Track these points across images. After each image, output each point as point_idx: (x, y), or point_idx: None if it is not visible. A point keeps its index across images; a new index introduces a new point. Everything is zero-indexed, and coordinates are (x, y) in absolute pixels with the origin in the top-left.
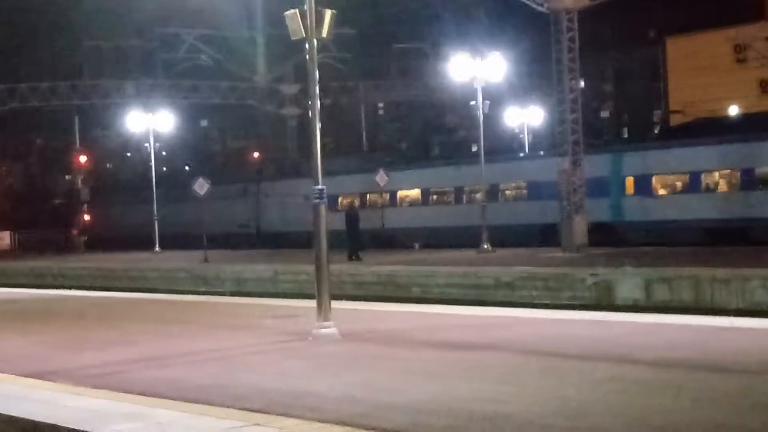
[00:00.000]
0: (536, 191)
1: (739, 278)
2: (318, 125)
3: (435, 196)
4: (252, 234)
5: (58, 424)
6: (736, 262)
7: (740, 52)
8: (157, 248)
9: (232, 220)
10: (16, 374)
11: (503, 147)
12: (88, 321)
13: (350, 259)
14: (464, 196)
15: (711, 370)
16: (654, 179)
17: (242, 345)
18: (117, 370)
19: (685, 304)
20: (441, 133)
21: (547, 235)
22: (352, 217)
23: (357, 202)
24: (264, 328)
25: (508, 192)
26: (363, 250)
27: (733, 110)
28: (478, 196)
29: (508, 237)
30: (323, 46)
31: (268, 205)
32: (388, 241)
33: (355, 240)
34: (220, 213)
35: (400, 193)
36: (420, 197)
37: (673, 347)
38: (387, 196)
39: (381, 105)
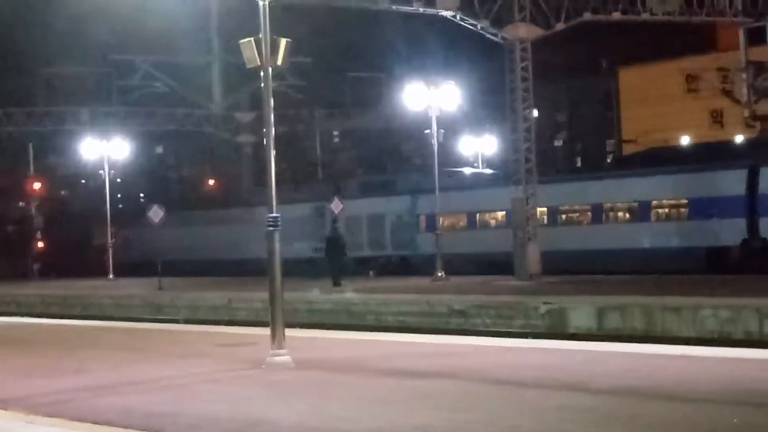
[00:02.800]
0: (702, 209)
1: (690, 307)
2: (273, 153)
3: (565, 216)
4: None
5: None
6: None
7: (692, 82)
8: (110, 276)
9: (300, 243)
10: None
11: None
12: (41, 348)
13: (335, 285)
14: (605, 215)
15: (662, 398)
16: None
17: (195, 373)
18: (69, 398)
19: (637, 332)
20: (396, 161)
21: (716, 260)
22: (334, 241)
23: (465, 222)
24: (217, 355)
25: (660, 210)
26: (345, 276)
27: (685, 140)
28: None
29: (660, 262)
30: (279, 74)
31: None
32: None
33: (338, 266)
34: (287, 236)
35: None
36: (547, 216)
37: (624, 376)
38: (503, 215)
39: (336, 133)
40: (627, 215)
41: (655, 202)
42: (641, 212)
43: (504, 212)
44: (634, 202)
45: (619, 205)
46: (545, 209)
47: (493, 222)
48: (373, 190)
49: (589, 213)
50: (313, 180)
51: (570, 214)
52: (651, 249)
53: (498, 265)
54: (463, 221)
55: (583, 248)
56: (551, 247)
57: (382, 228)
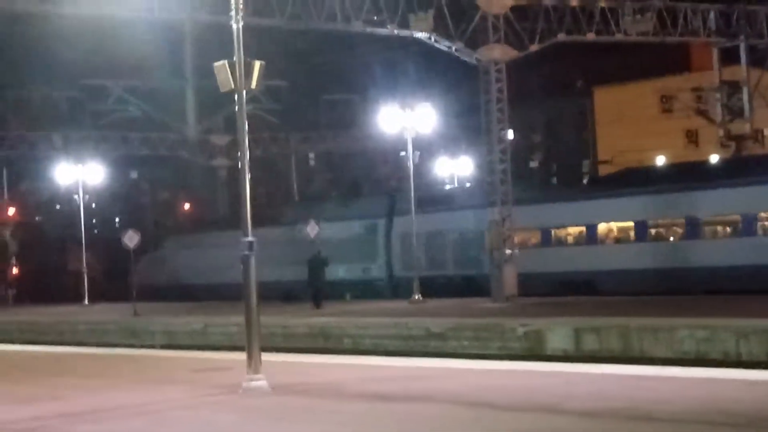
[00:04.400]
0: None
1: (667, 328)
2: (248, 176)
3: (655, 230)
4: (380, 280)
5: None
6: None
7: (667, 102)
8: (85, 301)
9: (351, 265)
10: None
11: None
12: (16, 375)
13: (316, 307)
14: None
15: (639, 419)
16: None
17: (171, 399)
18: (43, 425)
19: (614, 353)
20: (372, 183)
21: None
22: (316, 263)
23: (538, 239)
24: (193, 381)
25: None
26: (326, 298)
27: (660, 160)
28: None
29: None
30: (253, 98)
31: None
32: (581, 287)
33: (319, 287)
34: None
35: (604, 227)
36: (633, 231)
37: (601, 397)
38: (582, 231)
39: (312, 155)
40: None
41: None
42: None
43: (584, 227)
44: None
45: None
46: (630, 224)
47: (570, 238)
48: (432, 205)
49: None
50: (362, 195)
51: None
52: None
53: (578, 285)
54: (536, 238)
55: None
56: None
57: (442, 246)
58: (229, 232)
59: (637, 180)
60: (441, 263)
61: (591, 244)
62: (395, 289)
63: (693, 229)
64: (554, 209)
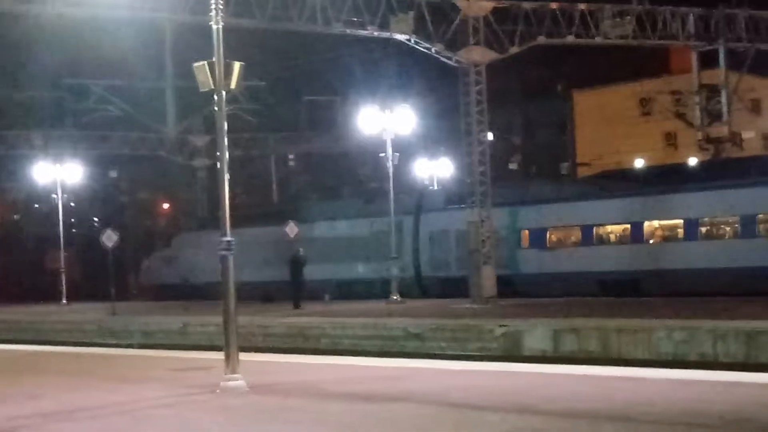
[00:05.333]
0: None
1: (644, 329)
2: (227, 176)
3: (706, 229)
4: (407, 280)
5: None
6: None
7: (646, 105)
8: (63, 300)
9: (375, 264)
10: None
11: None
12: None
13: (295, 307)
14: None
15: (617, 420)
16: None
17: (149, 398)
18: (21, 424)
19: (592, 354)
20: (352, 184)
21: None
22: (296, 263)
23: (578, 237)
24: (171, 380)
25: None
26: (304, 299)
27: (639, 163)
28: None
29: None
30: (233, 98)
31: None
32: (625, 287)
33: (299, 288)
34: (354, 253)
35: (649, 225)
36: (683, 229)
37: (579, 398)
38: (627, 229)
39: (291, 156)
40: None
41: None
42: None
43: (628, 225)
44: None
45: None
46: (680, 221)
47: (612, 237)
48: (464, 201)
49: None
50: (387, 192)
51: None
52: None
53: (621, 285)
54: (575, 236)
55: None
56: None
57: None
58: (242, 229)
59: (686, 176)
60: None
61: (636, 242)
62: (423, 289)
63: (748, 226)
64: (595, 206)
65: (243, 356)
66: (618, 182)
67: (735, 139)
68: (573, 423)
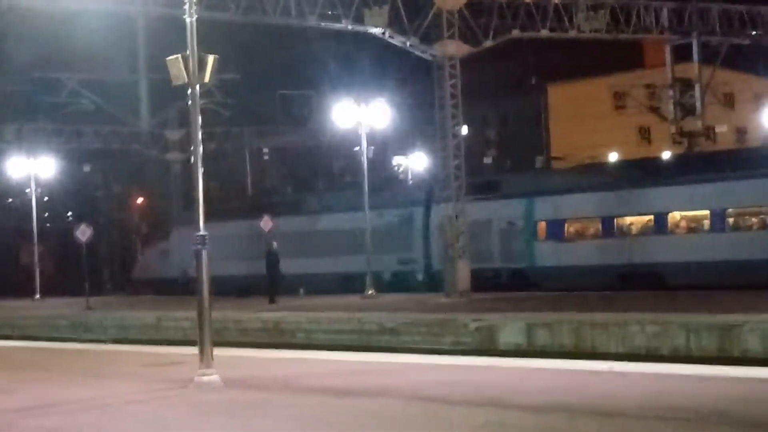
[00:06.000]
0: None
1: (618, 323)
2: (201, 170)
3: (733, 219)
4: (418, 273)
5: None
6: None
7: (620, 99)
8: (37, 295)
9: (384, 256)
10: None
11: None
12: None
13: (271, 302)
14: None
15: (590, 414)
16: None
17: (122, 393)
18: None
19: (565, 348)
20: (327, 178)
21: None
22: (271, 258)
23: (598, 229)
24: (145, 375)
25: None
26: (280, 294)
27: (613, 156)
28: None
29: None
30: (207, 92)
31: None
32: (647, 280)
33: (274, 283)
34: (360, 246)
35: (674, 216)
36: (708, 221)
37: (553, 392)
38: (650, 220)
39: (266, 150)
40: None
41: None
42: None
43: (652, 216)
44: None
45: None
46: (706, 212)
47: (634, 229)
48: (477, 193)
49: None
50: (398, 184)
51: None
52: None
53: (643, 278)
54: (595, 228)
55: None
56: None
57: (488, 237)
58: (243, 221)
59: (714, 165)
60: (487, 255)
61: (660, 234)
62: (434, 282)
63: None
64: (618, 197)
65: (217, 351)
66: (642, 173)
67: (708, 132)
68: (546, 417)
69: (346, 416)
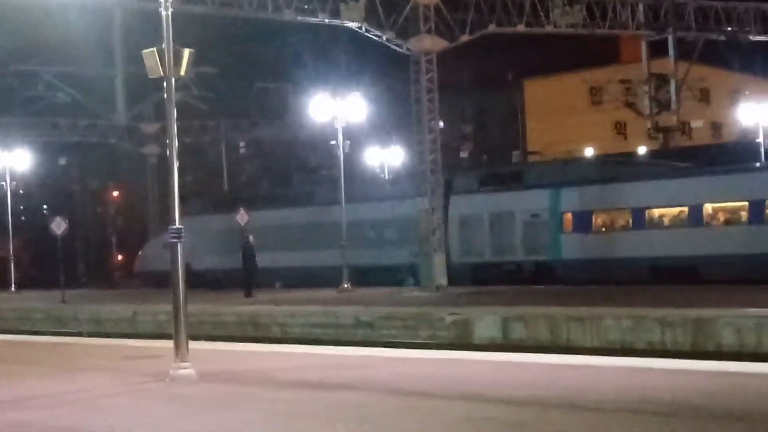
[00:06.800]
0: None
1: (593, 317)
2: (176, 164)
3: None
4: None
5: None
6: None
7: (596, 94)
8: (12, 288)
9: (399, 249)
10: None
11: None
12: None
13: (247, 296)
14: None
15: (565, 407)
16: None
17: (97, 387)
18: None
19: (541, 342)
20: (303, 172)
21: None
22: (247, 251)
23: (628, 221)
24: (120, 368)
25: None
26: (258, 287)
27: (589, 151)
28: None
29: None
30: (183, 85)
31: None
32: (680, 273)
33: (251, 276)
34: (381, 241)
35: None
36: (746, 212)
37: (528, 385)
38: (684, 212)
39: (242, 144)
40: None
41: None
42: None
43: (686, 208)
44: None
45: None
46: (745, 203)
47: (666, 220)
48: (499, 183)
49: None
50: (414, 174)
51: None
52: None
53: (676, 271)
54: (625, 219)
55: None
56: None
57: (510, 229)
58: (258, 212)
59: (750, 156)
60: (509, 248)
61: (695, 226)
62: (452, 276)
63: None
64: (648, 187)
65: (193, 344)
66: (672, 162)
67: (684, 127)
68: (521, 410)
69: (321, 409)
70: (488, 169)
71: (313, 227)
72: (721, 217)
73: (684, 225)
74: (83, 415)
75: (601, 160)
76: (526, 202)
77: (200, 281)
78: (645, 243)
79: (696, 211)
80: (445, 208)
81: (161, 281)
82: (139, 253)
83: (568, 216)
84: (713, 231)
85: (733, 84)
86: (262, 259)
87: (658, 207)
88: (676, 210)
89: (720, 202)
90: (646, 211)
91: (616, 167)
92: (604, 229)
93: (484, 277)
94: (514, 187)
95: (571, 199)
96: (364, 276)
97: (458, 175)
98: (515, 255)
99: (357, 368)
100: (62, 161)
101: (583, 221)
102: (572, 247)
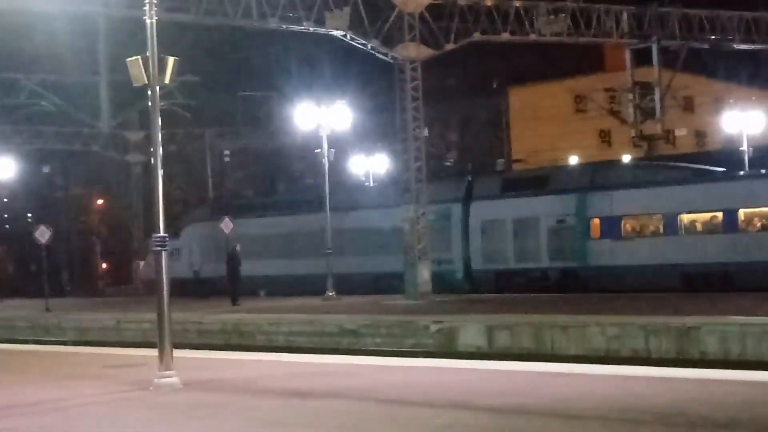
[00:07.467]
0: None
1: (577, 325)
2: (160, 172)
3: None
4: (455, 273)
5: None
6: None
7: (580, 102)
8: None
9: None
10: None
11: None
12: None
13: (234, 304)
14: None
15: (549, 416)
16: None
17: (81, 395)
18: None
19: (526, 350)
20: (287, 180)
21: None
22: (232, 260)
23: (659, 227)
24: (104, 377)
25: None
26: (241, 295)
27: (574, 160)
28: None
29: None
30: (168, 93)
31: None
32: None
33: (235, 285)
34: (392, 245)
35: (745, 213)
36: None
37: (512, 393)
38: (718, 217)
39: (227, 152)
40: None
41: None
42: None
43: (720, 213)
44: None
45: None
46: None
47: (699, 226)
48: (522, 188)
49: None
50: (436, 178)
51: None
52: None
53: (709, 278)
54: (655, 225)
55: None
56: None
57: (535, 235)
58: (263, 219)
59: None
60: (533, 255)
61: (729, 232)
62: (473, 283)
63: None
64: (682, 192)
65: (177, 353)
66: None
67: (668, 136)
68: (506, 418)
69: (305, 418)
70: (512, 173)
71: (299, 235)
72: (757, 222)
73: (718, 231)
74: (67, 424)
75: (631, 163)
76: (552, 207)
77: (208, 289)
78: (677, 249)
79: (730, 217)
80: (466, 213)
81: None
82: (143, 261)
83: (596, 221)
84: (748, 237)
85: (717, 92)
86: (253, 268)
87: (690, 212)
88: (709, 215)
89: (755, 207)
90: (678, 217)
91: (645, 171)
92: (634, 235)
93: (507, 284)
94: (538, 191)
95: (599, 204)
96: (351, 284)
97: (480, 180)
98: (540, 262)
99: (341, 376)
100: (46, 169)
101: (611, 227)
102: (600, 253)
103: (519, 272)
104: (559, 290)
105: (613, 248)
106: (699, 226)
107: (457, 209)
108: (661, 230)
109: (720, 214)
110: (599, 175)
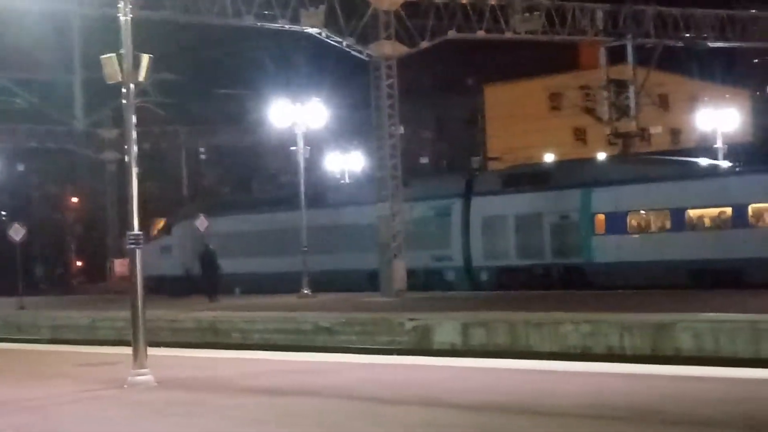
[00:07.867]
0: None
1: (551, 322)
2: (135, 170)
3: None
4: (455, 270)
5: None
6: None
7: (555, 100)
8: None
9: (418, 252)
10: None
11: None
12: None
13: (211, 301)
14: None
15: (524, 413)
16: None
17: (55, 394)
18: None
19: (501, 347)
20: (263, 178)
21: None
22: (207, 256)
23: (666, 222)
24: (78, 375)
25: None
26: (219, 292)
27: (549, 157)
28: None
29: None
30: (143, 91)
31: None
32: (722, 278)
33: (213, 281)
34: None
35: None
36: None
37: (487, 391)
38: (726, 213)
39: (202, 150)
40: None
41: None
42: None
43: (729, 209)
44: None
45: None
46: None
47: (707, 222)
48: (524, 183)
49: None
50: (434, 173)
51: None
52: None
53: (718, 275)
54: (662, 221)
55: None
56: None
57: (538, 231)
58: (260, 215)
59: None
60: (537, 251)
61: (739, 227)
62: (474, 280)
63: None
64: (690, 187)
65: (152, 351)
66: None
67: (643, 133)
68: (481, 416)
69: (280, 416)
70: (513, 168)
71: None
72: (766, 218)
73: (727, 226)
74: (42, 423)
75: (636, 158)
76: (555, 203)
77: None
78: (684, 245)
79: (740, 212)
80: (466, 209)
81: (155, 287)
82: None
83: (601, 217)
84: (758, 233)
85: (692, 90)
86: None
87: (698, 207)
88: (717, 211)
89: (765, 202)
90: (686, 212)
91: (651, 165)
92: (640, 231)
93: (509, 282)
94: (541, 187)
95: (603, 200)
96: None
97: (480, 176)
98: (543, 258)
99: (316, 374)
100: (21, 167)
101: (617, 222)
102: (605, 249)
103: (522, 269)
104: (563, 287)
105: (618, 244)
106: (707, 222)
107: (457, 205)
108: (668, 226)
109: (729, 210)
110: (603, 170)
